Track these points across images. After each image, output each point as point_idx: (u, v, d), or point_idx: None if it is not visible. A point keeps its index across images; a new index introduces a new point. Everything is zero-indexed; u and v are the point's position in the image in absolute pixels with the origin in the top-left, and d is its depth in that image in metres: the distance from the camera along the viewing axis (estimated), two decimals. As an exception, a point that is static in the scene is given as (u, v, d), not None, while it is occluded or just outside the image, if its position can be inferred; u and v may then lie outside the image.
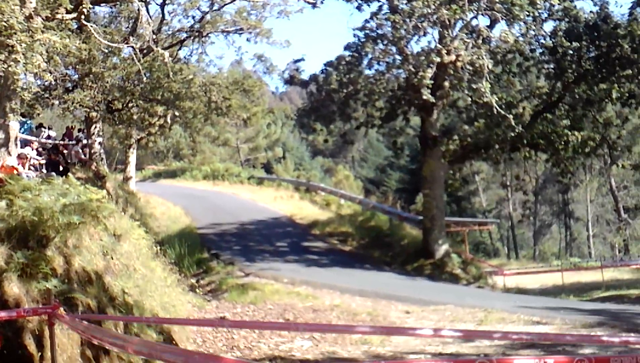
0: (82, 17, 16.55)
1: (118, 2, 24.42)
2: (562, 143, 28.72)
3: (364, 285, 20.99)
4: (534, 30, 27.30)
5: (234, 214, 35.99)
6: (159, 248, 16.44)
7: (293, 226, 35.03)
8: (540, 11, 26.60)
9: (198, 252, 25.99)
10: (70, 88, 23.29)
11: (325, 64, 29.73)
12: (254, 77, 34.60)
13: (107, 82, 23.48)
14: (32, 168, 17.91)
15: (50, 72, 17.93)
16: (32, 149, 19.68)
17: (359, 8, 27.97)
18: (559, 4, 26.50)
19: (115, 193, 23.48)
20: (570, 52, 27.39)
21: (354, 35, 28.30)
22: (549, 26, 28.16)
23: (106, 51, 22.30)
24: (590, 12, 27.61)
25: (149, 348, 6.19)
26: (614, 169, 48.33)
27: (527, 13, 25.70)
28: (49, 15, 15.43)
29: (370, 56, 27.92)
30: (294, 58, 34.97)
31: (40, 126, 26.32)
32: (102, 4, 23.88)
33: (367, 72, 28.90)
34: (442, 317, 15.70)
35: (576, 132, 28.56)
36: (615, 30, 26.47)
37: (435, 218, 29.07)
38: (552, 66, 28.74)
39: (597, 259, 42.25)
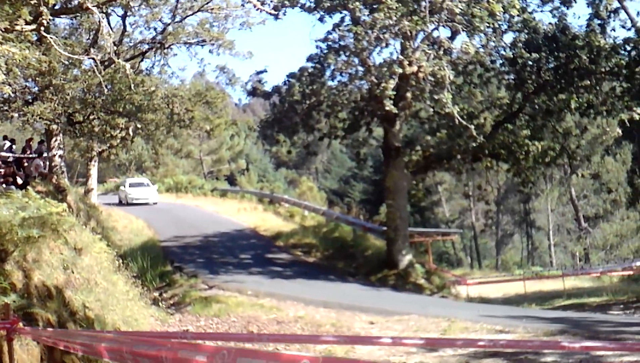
0: (42, 28, 16.34)
1: (78, 14, 24.18)
2: (523, 152, 29.03)
3: (328, 296, 20.97)
4: (494, 41, 27.58)
5: (197, 227, 35.79)
6: (121, 261, 16.28)
7: (257, 238, 34.91)
8: (500, 23, 26.87)
9: (161, 265, 25.74)
10: (30, 100, 22.98)
11: (287, 76, 29.74)
12: (216, 88, 34.52)
13: (68, 95, 23.25)
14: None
15: (9, 85, 17.68)
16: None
17: (321, 20, 28.03)
18: (518, 16, 26.81)
19: (76, 207, 23.23)
20: (530, 63, 27.73)
21: (317, 47, 28.38)
22: (508, 37, 28.57)
23: (67, 62, 22.07)
24: (549, 23, 28.00)
25: (120, 343, 6.03)
26: (573, 179, 49.05)
27: (487, 24, 25.94)
28: (8, 27, 15.22)
29: (332, 67, 27.97)
30: (256, 70, 35.01)
31: (4, 137, 25.99)
32: (62, 16, 23.60)
33: (329, 83, 28.96)
34: (406, 327, 15.73)
35: (536, 142, 28.88)
36: (573, 41, 26.86)
37: (398, 228, 29.16)
38: (512, 77, 29.07)
39: (559, 268, 42.69)
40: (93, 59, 20.63)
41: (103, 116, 26.77)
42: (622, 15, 27.86)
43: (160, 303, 18.34)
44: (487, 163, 31.04)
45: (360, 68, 27.59)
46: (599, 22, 27.38)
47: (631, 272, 32.87)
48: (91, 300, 10.77)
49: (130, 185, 48.41)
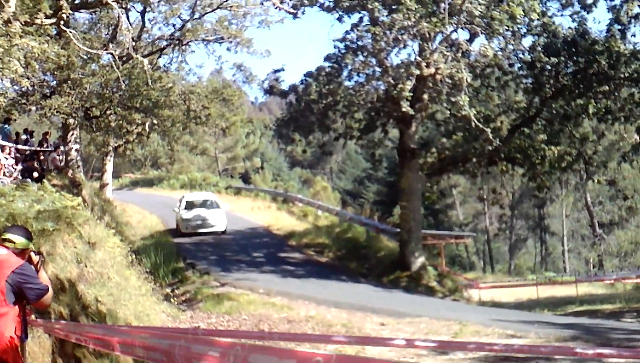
0: (62, 22, 16.48)
1: (98, 9, 24.32)
2: (539, 157, 28.91)
3: (340, 297, 20.95)
4: (512, 45, 27.47)
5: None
6: (134, 256, 16.34)
7: (270, 236, 34.94)
8: (519, 26, 26.76)
9: (174, 261, 25.83)
10: (48, 94, 23.12)
11: (305, 75, 29.73)
12: (233, 86, 34.61)
13: (86, 89, 23.37)
14: (6, 173, 17.77)
15: (28, 78, 17.82)
16: (7, 155, 19.52)
17: (339, 19, 27.99)
18: (538, 20, 26.68)
19: (91, 201, 23.33)
20: (549, 67, 27.58)
21: (334, 47, 28.33)
22: (527, 41, 28.38)
23: (85, 57, 22.20)
24: (569, 28, 27.82)
25: (132, 336, 6.03)
26: (589, 185, 48.84)
27: (507, 28, 25.84)
28: (28, 20, 15.34)
29: (350, 67, 27.94)
30: (273, 68, 34.94)
31: (24, 131, 26.16)
32: (82, 10, 23.76)
33: (346, 83, 28.92)
34: (417, 329, 15.69)
35: (553, 147, 28.75)
36: (593, 46, 26.70)
37: (412, 230, 29.08)
38: (530, 81, 28.91)
39: (572, 274, 42.53)
40: (111, 54, 20.80)
41: (120, 111, 26.90)
42: (643, 21, 27.73)
43: (172, 300, 18.38)
44: (503, 167, 30.95)
45: (377, 69, 27.54)
46: (619, 27, 27.19)
47: (645, 280, 32.68)
48: (104, 294, 10.80)
49: (188, 206, 34.90)
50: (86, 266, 10.87)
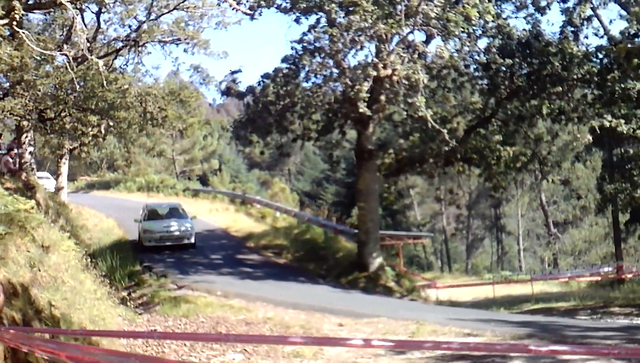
0: (14, 23, 16.21)
1: (52, 10, 23.99)
2: (495, 157, 29.27)
3: (298, 298, 20.94)
4: (468, 46, 27.74)
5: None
6: (89, 260, 16.13)
7: (228, 238, 34.83)
8: (474, 28, 27.02)
9: (130, 265, 25.57)
10: (1, 96, 22.74)
11: (262, 76, 29.65)
12: (190, 88, 34.36)
13: (40, 91, 23.01)
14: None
15: (-20, 79, 17.53)
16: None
17: (297, 21, 27.99)
18: (492, 21, 26.97)
19: (45, 204, 23.01)
20: (503, 68, 27.93)
21: (292, 48, 28.30)
22: (483, 43, 28.67)
23: (39, 58, 21.85)
24: (523, 29, 28.23)
25: (83, 351, 5.99)
26: (544, 185, 49.60)
27: (462, 29, 26.07)
28: (-21, 21, 15.06)
29: (307, 68, 27.95)
30: (231, 69, 34.81)
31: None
32: (35, 11, 23.39)
33: (304, 84, 28.90)
34: (375, 330, 15.75)
35: (508, 148, 29.14)
36: (546, 48, 27.09)
37: (369, 231, 29.19)
38: (485, 82, 29.26)
39: (528, 272, 43.07)
40: (66, 55, 20.50)
41: (75, 113, 26.54)
42: (595, 23, 28.28)
43: (128, 303, 18.20)
44: (459, 168, 31.28)
45: (335, 70, 27.60)
46: (572, 29, 27.69)
47: (599, 278, 33.26)
48: (57, 299, 10.65)
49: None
50: (39, 270, 10.71)
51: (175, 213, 32.45)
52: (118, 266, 23.26)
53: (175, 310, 17.84)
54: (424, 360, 11.41)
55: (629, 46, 26.24)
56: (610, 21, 28.34)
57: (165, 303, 19.05)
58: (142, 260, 27.43)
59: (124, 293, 19.93)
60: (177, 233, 30.74)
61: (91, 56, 20.83)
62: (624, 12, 28.01)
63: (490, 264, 67.39)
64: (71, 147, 34.40)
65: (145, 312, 18.11)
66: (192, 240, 31.04)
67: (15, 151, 26.40)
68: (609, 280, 31.98)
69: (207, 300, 19.24)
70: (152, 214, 31.97)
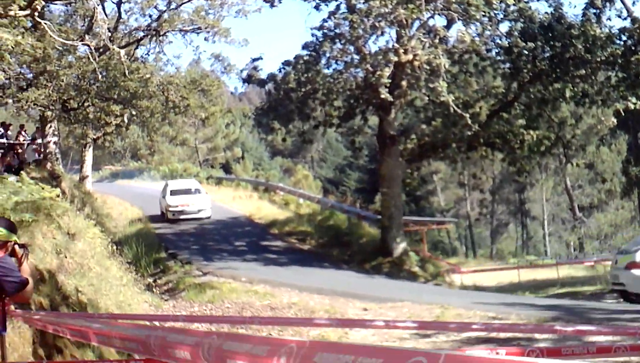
0: (36, 14, 16.31)
1: (73, 0, 24.14)
2: (518, 142, 29.08)
3: (322, 284, 20.99)
4: (489, 30, 27.55)
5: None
6: (115, 247, 16.30)
7: (252, 225, 34.94)
8: (496, 12, 26.84)
9: (155, 252, 25.73)
10: (25, 87, 22.92)
11: (283, 63, 29.72)
12: (211, 76, 34.44)
13: (62, 81, 23.19)
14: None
15: (4, 71, 17.69)
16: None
17: (317, 7, 27.99)
18: (514, 5, 26.77)
19: (70, 193, 23.22)
20: (526, 52, 27.69)
21: (312, 35, 28.35)
22: (504, 26, 28.48)
23: (61, 49, 22.01)
24: (545, 12, 27.93)
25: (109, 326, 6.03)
26: (568, 168, 49.13)
27: (483, 13, 25.93)
28: (1, 13, 15.18)
29: (328, 55, 27.98)
30: (252, 57, 34.82)
31: (2, 124, 25.93)
32: (56, 2, 23.58)
33: (325, 71, 28.95)
34: (400, 314, 15.76)
35: (531, 132, 28.93)
36: (569, 30, 26.83)
37: (393, 216, 29.19)
38: (507, 66, 29.04)
39: (553, 257, 42.84)
40: (88, 45, 20.63)
41: (98, 102, 26.73)
42: (618, 4, 27.87)
43: (154, 289, 18.37)
44: (482, 152, 31.11)
45: (355, 56, 27.58)
46: (595, 11, 27.36)
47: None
48: (84, 285, 10.78)
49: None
50: (66, 257, 10.84)
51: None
52: (143, 253, 23.42)
53: (201, 296, 17.97)
54: (449, 344, 11.42)
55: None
56: (634, 2, 27.86)
57: (191, 289, 19.18)
58: (167, 247, 27.61)
59: (150, 280, 20.09)
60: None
61: (113, 46, 20.96)
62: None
63: (515, 249, 67.02)
64: (95, 136, 34.64)
65: (171, 298, 18.27)
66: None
67: (40, 141, 26.64)
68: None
69: (231, 286, 19.33)
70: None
